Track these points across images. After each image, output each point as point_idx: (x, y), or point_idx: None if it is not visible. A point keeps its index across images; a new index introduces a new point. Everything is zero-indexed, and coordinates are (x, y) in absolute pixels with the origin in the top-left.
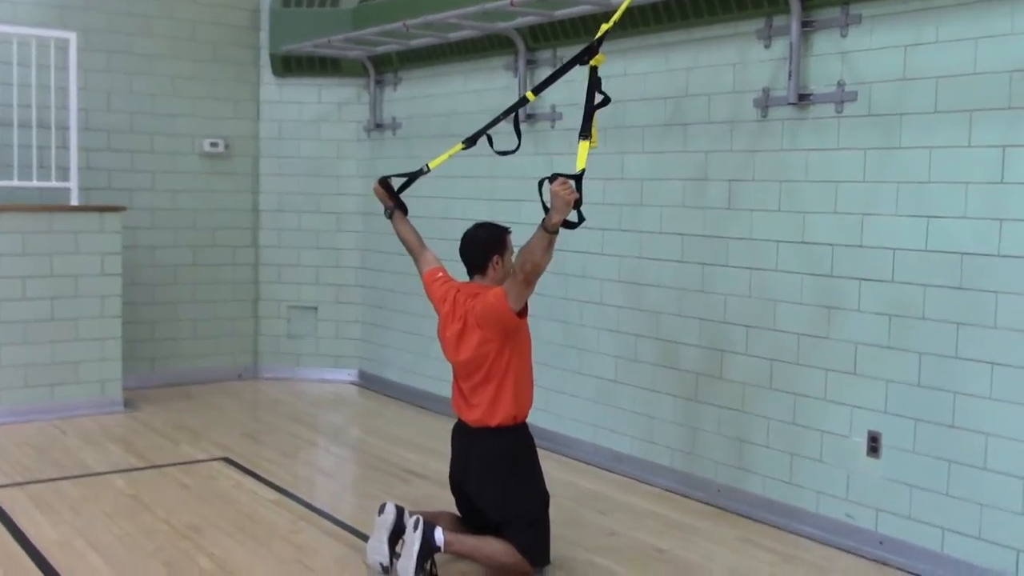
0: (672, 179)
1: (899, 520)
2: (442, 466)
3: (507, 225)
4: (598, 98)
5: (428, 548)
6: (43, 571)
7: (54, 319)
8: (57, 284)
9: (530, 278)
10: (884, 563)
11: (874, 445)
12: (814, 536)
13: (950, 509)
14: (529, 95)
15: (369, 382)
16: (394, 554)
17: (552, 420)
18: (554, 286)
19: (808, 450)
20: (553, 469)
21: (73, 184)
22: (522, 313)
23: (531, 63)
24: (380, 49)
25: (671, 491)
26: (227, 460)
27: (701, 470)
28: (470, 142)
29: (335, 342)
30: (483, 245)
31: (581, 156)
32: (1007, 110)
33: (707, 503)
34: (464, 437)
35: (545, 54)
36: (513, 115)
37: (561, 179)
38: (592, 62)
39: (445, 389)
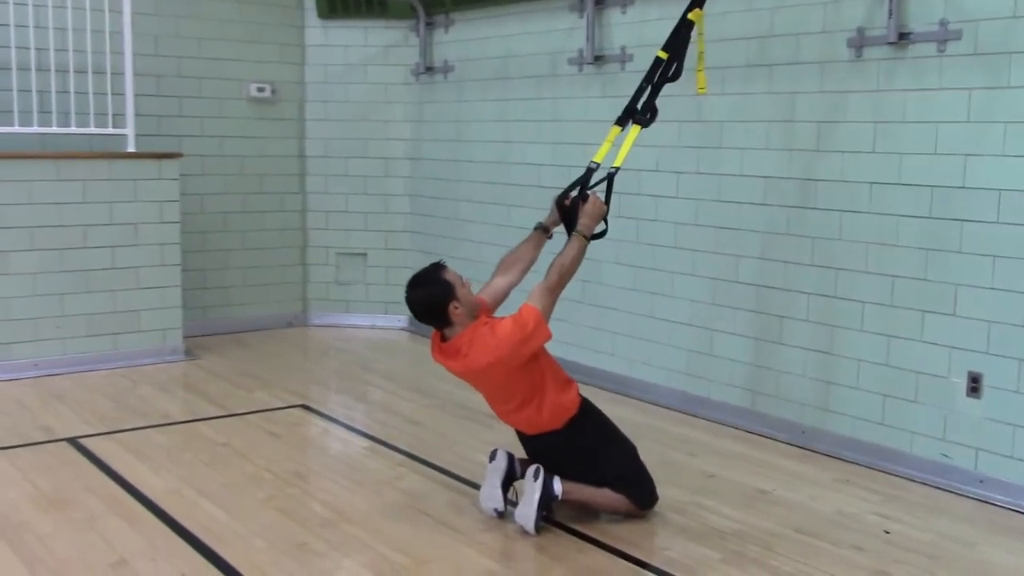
0: (755, 121)
1: (1000, 459)
2: None
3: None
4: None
5: (548, 497)
6: (160, 519)
7: (115, 267)
8: (117, 232)
9: (563, 287)
10: (987, 502)
11: (975, 386)
12: (910, 476)
13: None
14: (661, 54)
15: (420, 328)
16: (507, 500)
17: (624, 365)
18: (625, 230)
19: (903, 391)
20: (631, 414)
21: (130, 131)
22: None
23: (600, 3)
24: None
25: (755, 433)
26: (306, 407)
27: (786, 412)
28: (623, 122)
29: (385, 288)
30: (432, 302)
31: (627, 144)
32: None
33: (794, 444)
34: (531, 441)
35: None
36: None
37: (593, 199)
38: (691, 16)
39: None
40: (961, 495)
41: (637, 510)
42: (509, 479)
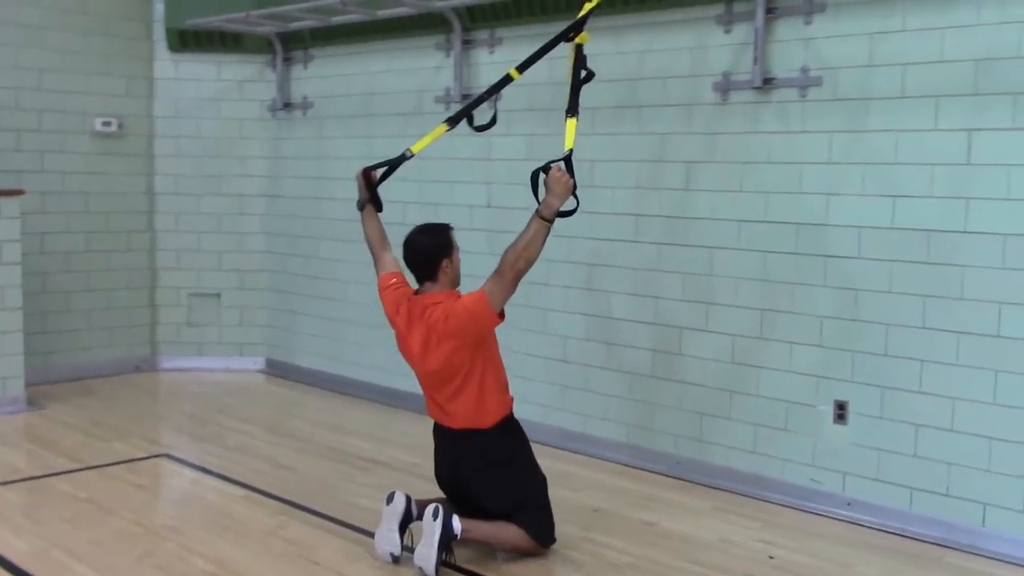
0: (627, 161)
1: (867, 482)
2: (397, 453)
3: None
4: (582, 74)
5: (448, 536)
6: None
7: None
8: None
9: (519, 277)
10: (855, 523)
11: (841, 413)
12: (783, 502)
13: (918, 469)
14: (513, 73)
15: (278, 370)
16: (403, 544)
17: None
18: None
19: (773, 420)
20: None
21: None
22: (501, 314)
23: (467, 43)
24: (294, 25)
25: (632, 466)
26: (169, 456)
27: (660, 444)
28: (453, 122)
29: (240, 329)
30: (430, 250)
31: (569, 134)
32: (972, 96)
33: (671, 475)
34: (452, 440)
35: (482, 34)
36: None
37: (557, 166)
38: (577, 40)
39: (363, 374)
40: (831, 518)
41: (536, 547)
42: (405, 522)
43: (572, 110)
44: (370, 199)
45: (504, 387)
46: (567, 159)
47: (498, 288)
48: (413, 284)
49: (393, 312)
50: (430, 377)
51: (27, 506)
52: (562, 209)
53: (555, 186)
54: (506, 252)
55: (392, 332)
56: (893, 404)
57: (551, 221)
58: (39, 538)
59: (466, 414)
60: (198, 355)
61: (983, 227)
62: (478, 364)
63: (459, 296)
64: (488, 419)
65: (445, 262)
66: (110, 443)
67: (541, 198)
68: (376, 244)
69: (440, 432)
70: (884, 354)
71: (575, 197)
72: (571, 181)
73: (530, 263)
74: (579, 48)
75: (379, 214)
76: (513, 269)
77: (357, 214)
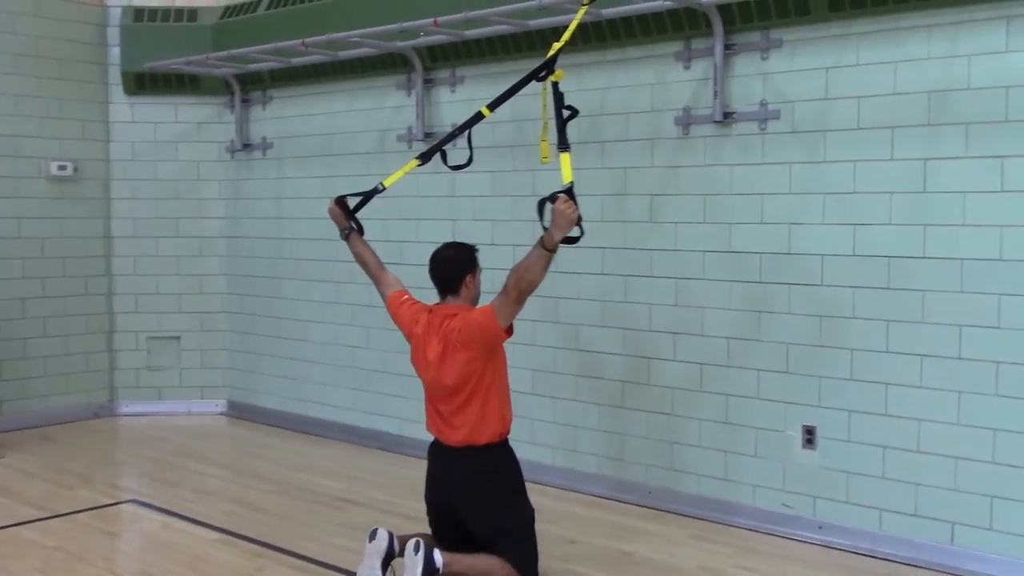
0: (590, 194)
1: (837, 505)
2: (367, 490)
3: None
4: (566, 113)
5: (430, 570)
6: None
7: None
8: None
9: (523, 296)
10: (828, 546)
11: (809, 437)
12: (755, 528)
13: (887, 491)
14: (484, 110)
15: (240, 412)
16: None
17: None
18: None
19: (743, 447)
20: None
21: None
22: (509, 330)
23: (428, 82)
24: (253, 67)
25: (603, 497)
26: (137, 502)
27: (632, 474)
28: (425, 158)
29: (201, 372)
30: (455, 265)
31: (565, 168)
32: (927, 127)
33: (642, 505)
34: (446, 457)
35: (443, 74)
36: (468, 131)
37: (563, 197)
38: (552, 78)
39: (328, 413)
40: (804, 542)
41: None
42: (388, 558)
43: (563, 145)
44: (351, 227)
45: (507, 404)
46: (569, 191)
47: (505, 305)
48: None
49: (412, 323)
50: (441, 387)
51: None
52: (568, 235)
53: (559, 217)
54: (511, 272)
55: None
56: (860, 427)
57: (553, 251)
58: None
59: (468, 428)
60: (158, 399)
61: (941, 252)
62: (487, 377)
63: (471, 309)
64: (486, 435)
65: (468, 277)
66: (75, 490)
67: (547, 225)
68: (374, 266)
69: (436, 449)
70: (850, 378)
71: (579, 227)
72: (576, 212)
73: (533, 285)
74: (555, 86)
75: (362, 239)
76: (516, 288)
77: (318, 252)
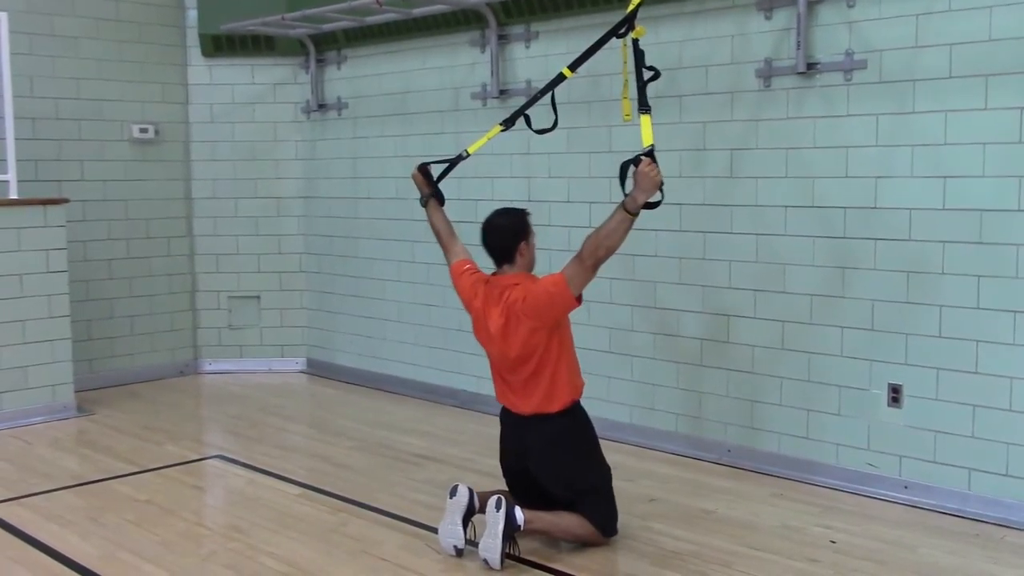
0: (668, 150)
1: (923, 464)
2: (446, 448)
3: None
4: (647, 73)
5: (511, 527)
6: None
7: None
8: (0, 284)
9: (599, 264)
10: (914, 506)
11: (895, 396)
12: (838, 487)
13: (976, 450)
14: (566, 71)
15: (319, 370)
16: (467, 537)
17: None
18: (540, 261)
19: (826, 405)
20: None
21: (12, 176)
22: (579, 298)
23: (503, 38)
24: (328, 27)
25: (681, 455)
26: (223, 457)
27: (711, 432)
28: (508, 123)
29: (280, 331)
30: (508, 233)
31: (646, 130)
32: (1023, 74)
33: (721, 463)
34: (519, 426)
35: (518, 29)
36: (551, 93)
37: (647, 160)
38: (633, 35)
39: (405, 371)
40: (889, 501)
41: (598, 536)
42: (468, 515)
43: (644, 107)
44: (432, 194)
45: (576, 371)
46: (650, 154)
47: (578, 273)
48: (485, 270)
49: (472, 295)
50: (506, 359)
51: (91, 509)
52: (648, 200)
53: (643, 180)
54: (588, 238)
55: (436, 327)
56: (949, 386)
57: (635, 214)
58: (107, 541)
59: (538, 397)
60: (239, 357)
61: None
62: (554, 346)
63: (536, 279)
64: (557, 403)
65: (522, 244)
66: (163, 446)
67: (628, 190)
68: (445, 235)
69: (508, 417)
70: (939, 335)
71: (660, 191)
72: (660, 177)
73: (611, 252)
74: (635, 43)
75: (442, 207)
76: (593, 256)
77: (394, 211)
